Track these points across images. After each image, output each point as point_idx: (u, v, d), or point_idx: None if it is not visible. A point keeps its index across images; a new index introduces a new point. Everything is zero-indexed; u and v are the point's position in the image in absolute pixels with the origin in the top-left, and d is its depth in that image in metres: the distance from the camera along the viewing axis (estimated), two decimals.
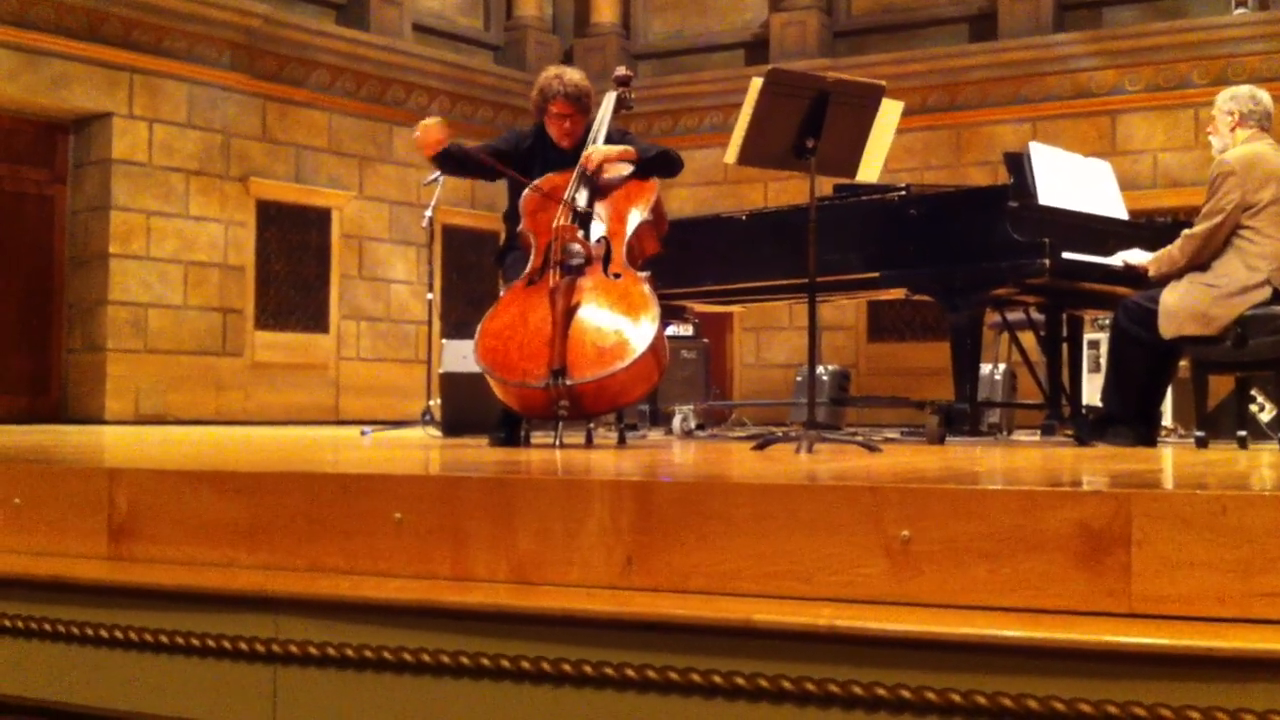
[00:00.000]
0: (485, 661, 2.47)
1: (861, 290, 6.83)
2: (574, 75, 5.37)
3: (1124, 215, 6.31)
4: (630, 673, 2.36)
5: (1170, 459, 4.14)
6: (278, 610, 2.69)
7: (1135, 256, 5.61)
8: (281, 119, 12.22)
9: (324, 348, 12.50)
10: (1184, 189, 11.41)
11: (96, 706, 2.90)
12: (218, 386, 11.59)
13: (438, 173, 7.85)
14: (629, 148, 5.25)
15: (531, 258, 5.04)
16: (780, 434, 5.46)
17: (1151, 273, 5.37)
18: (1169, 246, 5.32)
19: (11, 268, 10.92)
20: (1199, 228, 5.15)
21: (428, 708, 2.54)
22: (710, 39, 14.29)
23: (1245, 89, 5.42)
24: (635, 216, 5.09)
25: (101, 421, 10.65)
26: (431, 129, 5.17)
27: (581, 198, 5.09)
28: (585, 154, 5.17)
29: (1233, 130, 5.31)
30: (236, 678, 2.71)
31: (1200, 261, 5.16)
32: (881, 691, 2.19)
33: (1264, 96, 5.36)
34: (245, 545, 2.88)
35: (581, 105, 5.34)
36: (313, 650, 2.63)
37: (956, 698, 2.14)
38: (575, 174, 5.15)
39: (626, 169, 5.21)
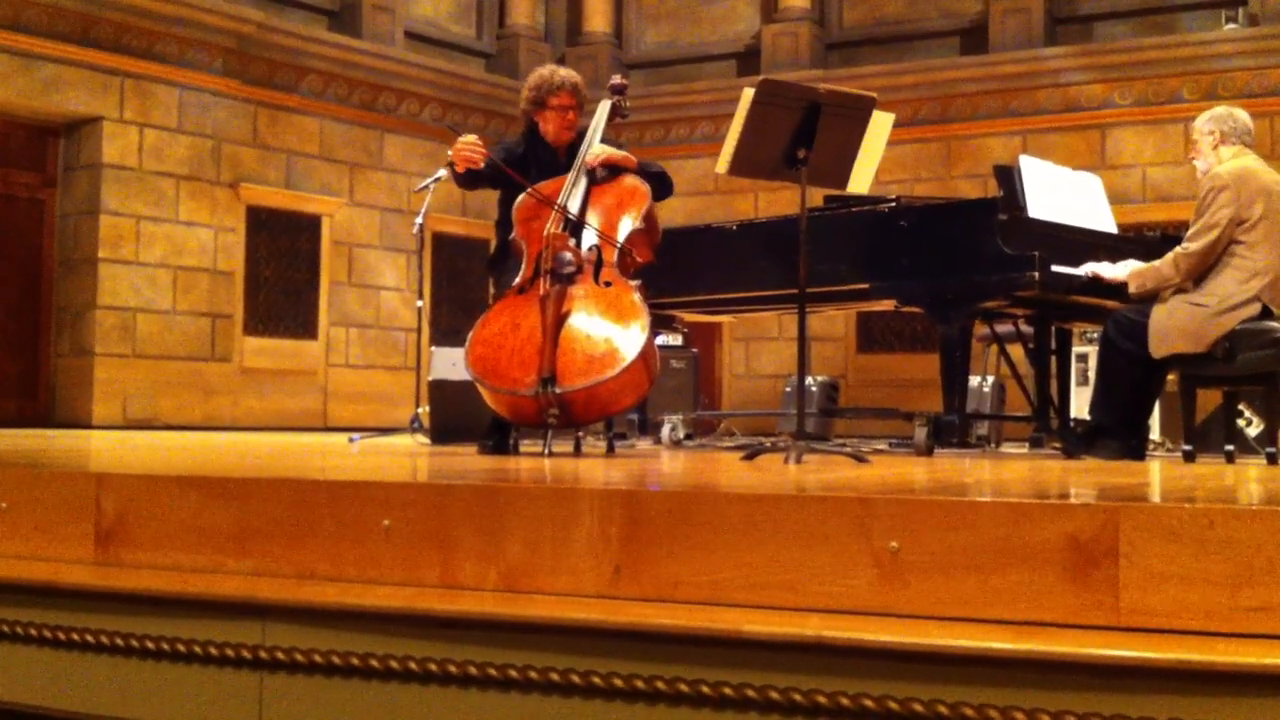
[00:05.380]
0: (473, 670, 2.47)
1: (851, 301, 6.84)
2: (569, 70, 5.43)
3: (1113, 229, 6.32)
4: (618, 682, 2.36)
5: (1158, 472, 4.15)
6: (265, 616, 2.68)
7: (1108, 270, 5.55)
8: (272, 125, 12.21)
9: (313, 354, 12.48)
10: (1173, 203, 11.45)
11: (82, 712, 2.89)
12: (206, 392, 11.56)
13: (429, 179, 7.86)
14: (630, 156, 5.25)
15: (523, 265, 5.03)
16: (769, 444, 5.45)
17: (1132, 289, 5.29)
18: (1156, 263, 5.26)
19: (0, 271, 10.89)
20: (1195, 245, 5.10)
21: (415, 716, 2.53)
22: (702, 49, 14.31)
23: (1222, 109, 5.42)
24: (627, 225, 5.08)
25: (89, 426, 10.61)
26: (476, 147, 5.15)
27: (574, 204, 5.08)
28: (590, 154, 5.17)
29: (1216, 149, 5.30)
30: (223, 684, 2.71)
31: (1195, 277, 5.13)
32: (869, 703, 2.19)
33: (1241, 114, 5.37)
34: (233, 551, 2.87)
35: (582, 97, 5.37)
36: (300, 657, 2.63)
37: (943, 709, 2.15)
38: (569, 179, 5.15)
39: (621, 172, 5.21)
